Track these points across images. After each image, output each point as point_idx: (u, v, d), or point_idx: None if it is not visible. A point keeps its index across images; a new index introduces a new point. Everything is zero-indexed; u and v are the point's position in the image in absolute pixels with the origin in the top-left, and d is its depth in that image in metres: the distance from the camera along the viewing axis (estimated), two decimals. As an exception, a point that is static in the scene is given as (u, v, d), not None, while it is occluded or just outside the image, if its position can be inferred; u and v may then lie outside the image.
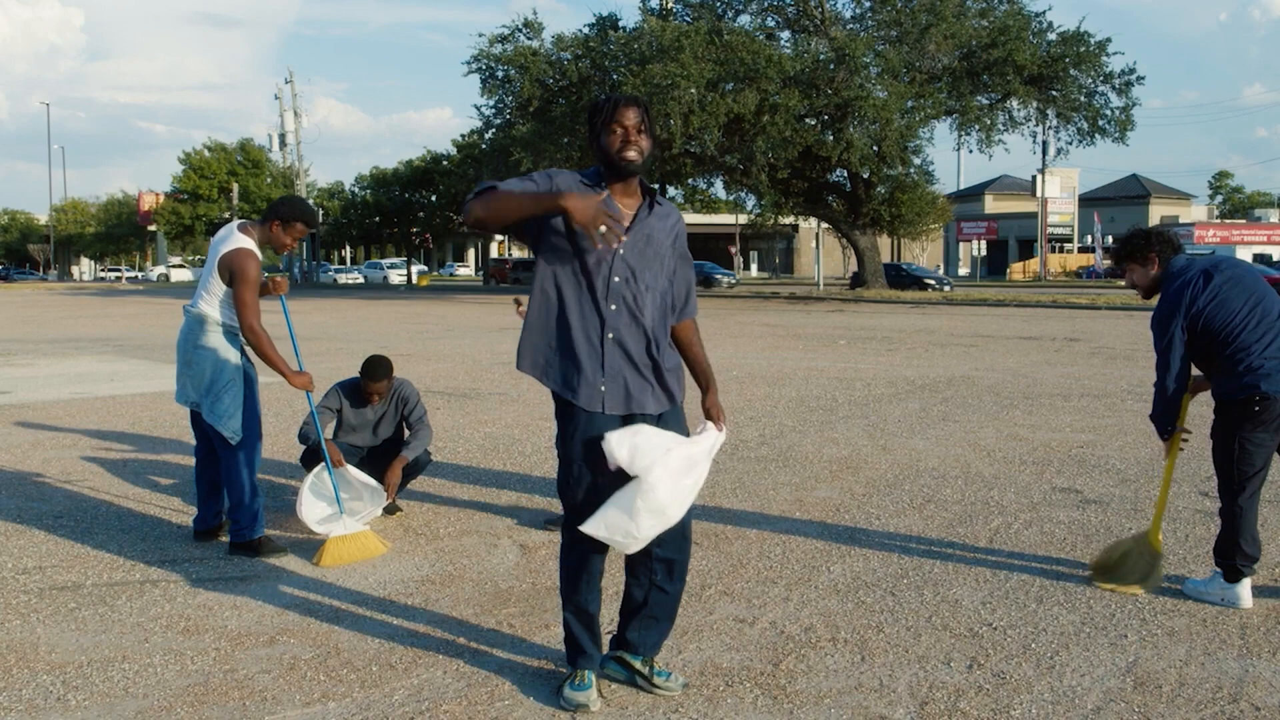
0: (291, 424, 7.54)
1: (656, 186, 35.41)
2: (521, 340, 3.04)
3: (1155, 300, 4.03)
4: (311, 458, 5.02)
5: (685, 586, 3.18)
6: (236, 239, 4.47)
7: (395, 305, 29.78)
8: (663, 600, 3.11)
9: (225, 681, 3.21)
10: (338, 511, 4.85)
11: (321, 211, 60.73)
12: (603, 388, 2.95)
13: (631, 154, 2.90)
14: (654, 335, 3.01)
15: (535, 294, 2.99)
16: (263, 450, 4.81)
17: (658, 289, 3.02)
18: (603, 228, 2.77)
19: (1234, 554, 3.84)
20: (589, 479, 2.96)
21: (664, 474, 2.85)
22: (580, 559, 3.03)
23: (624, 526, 2.86)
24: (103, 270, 77.14)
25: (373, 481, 4.85)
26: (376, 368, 5.04)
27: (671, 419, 3.05)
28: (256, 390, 4.62)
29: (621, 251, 2.94)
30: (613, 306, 2.95)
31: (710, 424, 3.12)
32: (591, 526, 2.89)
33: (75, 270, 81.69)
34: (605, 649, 3.20)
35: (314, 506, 4.78)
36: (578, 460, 2.97)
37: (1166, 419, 3.97)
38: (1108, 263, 45.64)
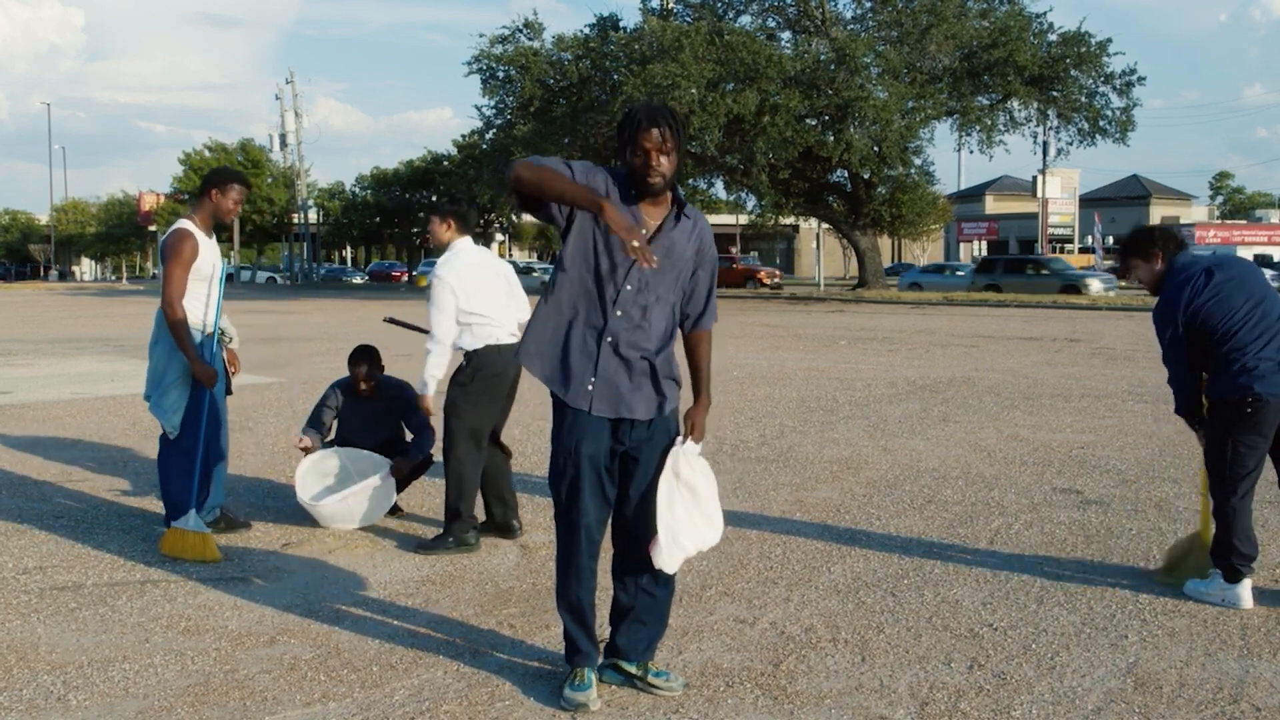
0: (292, 423, 7.54)
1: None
2: (526, 329, 3.06)
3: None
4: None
5: (674, 589, 3.18)
6: (176, 224, 4.63)
7: (395, 306, 29.78)
8: (650, 604, 3.11)
9: (226, 682, 3.21)
10: (333, 489, 4.86)
11: (322, 212, 60.74)
12: (590, 387, 2.95)
13: (654, 179, 2.89)
14: (656, 345, 3.01)
15: (551, 285, 3.01)
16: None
17: (669, 300, 3.02)
18: (635, 242, 2.76)
19: (1230, 554, 3.83)
20: (573, 473, 2.98)
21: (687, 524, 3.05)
22: (570, 554, 3.04)
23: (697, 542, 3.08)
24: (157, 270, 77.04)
25: (378, 460, 4.90)
26: (359, 353, 5.08)
27: (660, 428, 3.05)
28: (211, 398, 4.60)
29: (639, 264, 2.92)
30: (619, 313, 2.95)
31: (679, 439, 3.06)
32: (672, 563, 3.03)
33: (77, 270, 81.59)
34: (601, 656, 3.19)
35: (308, 484, 4.81)
36: (564, 453, 2.99)
37: (1192, 410, 3.99)
38: (1109, 263, 45.56)
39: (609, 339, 2.96)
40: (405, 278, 56.45)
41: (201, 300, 4.57)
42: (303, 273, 55.87)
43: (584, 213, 2.91)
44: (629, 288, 2.94)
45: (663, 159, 2.89)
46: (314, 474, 4.89)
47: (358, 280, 54.78)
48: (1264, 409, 3.74)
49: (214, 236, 4.71)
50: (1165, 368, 3.97)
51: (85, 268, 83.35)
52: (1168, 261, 3.97)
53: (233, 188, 4.60)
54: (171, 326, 4.46)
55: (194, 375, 4.50)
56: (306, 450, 4.98)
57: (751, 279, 39.32)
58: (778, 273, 42.68)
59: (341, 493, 4.82)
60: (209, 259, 4.58)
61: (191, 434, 4.56)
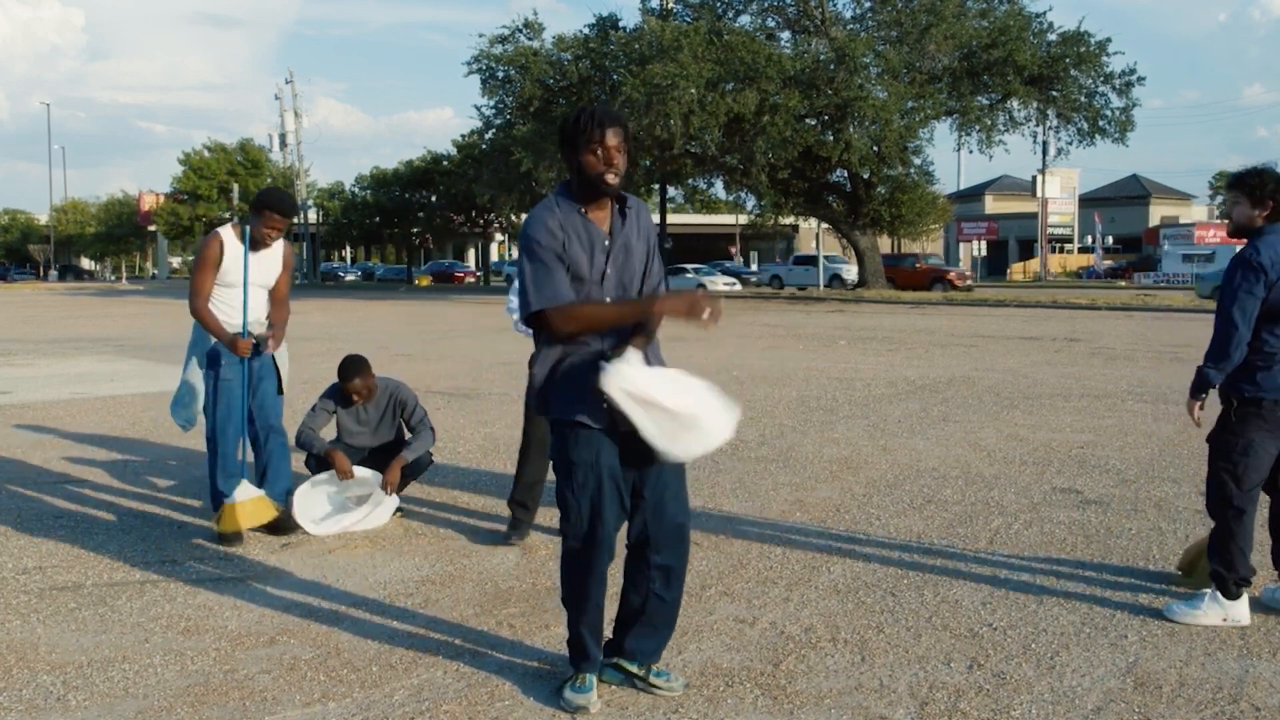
0: (290, 424, 7.52)
1: (657, 187, 35.50)
2: (534, 378, 3.03)
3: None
4: (316, 462, 5.01)
5: (683, 592, 3.17)
6: (217, 228, 4.72)
7: (395, 305, 29.78)
8: (661, 608, 3.10)
9: (225, 682, 3.20)
10: (334, 511, 4.85)
11: (321, 211, 60.66)
12: (605, 405, 2.93)
13: (612, 178, 2.88)
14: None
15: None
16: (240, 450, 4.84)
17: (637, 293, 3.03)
18: (706, 314, 2.77)
19: (1236, 564, 3.68)
20: (594, 486, 2.96)
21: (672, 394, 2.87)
22: (592, 565, 3.03)
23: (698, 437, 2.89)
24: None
25: (370, 474, 4.87)
26: (349, 367, 5.00)
27: None
28: (227, 389, 4.65)
29: (609, 271, 2.95)
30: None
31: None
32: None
33: (95, 267, 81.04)
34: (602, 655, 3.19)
35: (310, 506, 4.79)
36: (584, 468, 2.96)
37: (1224, 368, 3.66)
38: (1108, 263, 45.46)
39: (607, 352, 2.95)
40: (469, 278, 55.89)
41: (227, 304, 4.64)
42: (302, 273, 55.79)
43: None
44: (608, 300, 2.95)
45: (620, 159, 2.89)
46: (310, 499, 4.84)
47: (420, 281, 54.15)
48: None
49: (258, 249, 4.65)
50: (1223, 321, 3.62)
51: (84, 267, 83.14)
52: (1271, 219, 3.68)
53: (266, 214, 4.59)
54: (194, 318, 4.64)
55: (229, 349, 4.60)
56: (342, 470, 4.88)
57: (940, 281, 34.43)
58: (969, 274, 36.81)
59: (342, 520, 4.82)
60: (236, 266, 4.61)
61: (215, 437, 4.70)
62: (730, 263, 54.81)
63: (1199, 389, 3.76)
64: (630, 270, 2.99)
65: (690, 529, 3.13)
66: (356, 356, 5.07)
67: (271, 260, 4.75)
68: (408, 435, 5.18)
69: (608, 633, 3.22)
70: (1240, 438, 3.68)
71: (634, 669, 3.13)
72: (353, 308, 28.18)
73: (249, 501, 4.59)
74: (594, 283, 2.93)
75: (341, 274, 62.97)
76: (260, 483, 4.78)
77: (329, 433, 5.21)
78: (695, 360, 12.35)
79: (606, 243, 2.94)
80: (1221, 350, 3.64)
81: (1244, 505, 3.69)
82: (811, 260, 37.45)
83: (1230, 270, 3.69)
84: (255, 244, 4.64)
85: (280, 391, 4.86)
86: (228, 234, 4.67)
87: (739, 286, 38.26)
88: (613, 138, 2.86)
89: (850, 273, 37.14)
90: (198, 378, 4.82)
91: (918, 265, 36.54)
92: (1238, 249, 3.81)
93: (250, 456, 4.84)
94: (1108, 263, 49.85)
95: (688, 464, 3.07)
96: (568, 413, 2.95)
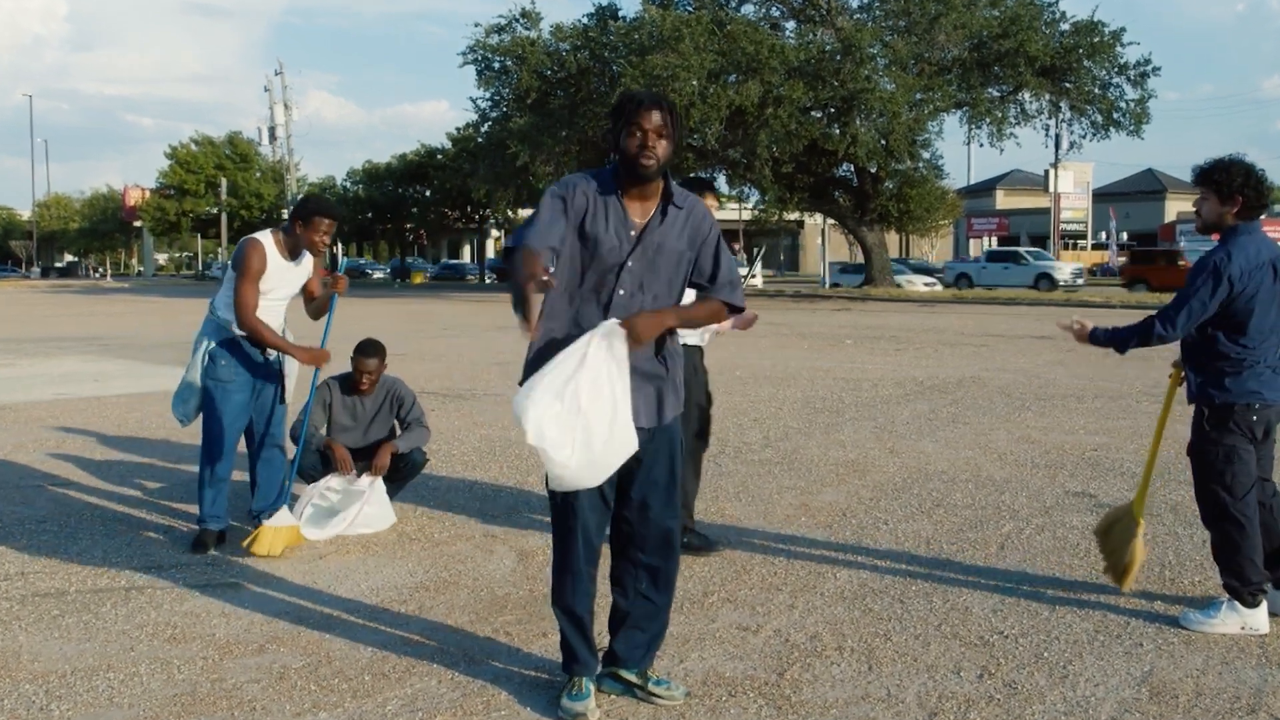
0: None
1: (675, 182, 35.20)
2: (528, 363, 2.94)
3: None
4: (318, 458, 4.92)
5: (675, 596, 3.13)
6: (255, 234, 4.59)
7: (390, 304, 29.80)
8: (648, 610, 3.06)
9: (213, 691, 3.15)
10: (337, 518, 4.75)
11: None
12: None
13: (647, 160, 2.84)
14: (654, 347, 2.95)
15: (545, 312, 2.91)
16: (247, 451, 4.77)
17: (667, 300, 2.96)
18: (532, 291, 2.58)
19: (1248, 572, 3.58)
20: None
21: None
22: (566, 558, 2.99)
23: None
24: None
25: (363, 482, 4.79)
26: (369, 345, 5.00)
27: (662, 434, 3.00)
28: (221, 391, 4.55)
29: (630, 264, 2.89)
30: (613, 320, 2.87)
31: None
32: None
33: (93, 266, 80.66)
34: (600, 665, 3.13)
35: (315, 514, 4.70)
36: None
37: (1130, 347, 3.70)
38: (1122, 259, 45.09)
39: None
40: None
41: (262, 315, 4.52)
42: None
43: (569, 228, 2.86)
44: (621, 293, 2.90)
45: (659, 143, 2.84)
46: (316, 518, 4.75)
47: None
48: (1265, 414, 3.56)
49: (299, 260, 4.62)
50: (1166, 318, 3.56)
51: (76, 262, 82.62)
52: (1240, 217, 3.56)
53: (316, 222, 4.50)
54: (252, 336, 4.47)
55: (304, 363, 4.55)
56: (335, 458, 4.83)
57: None
58: None
59: (339, 523, 4.72)
60: (277, 278, 4.54)
61: (205, 440, 4.60)
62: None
63: (1103, 343, 3.74)
64: (656, 271, 2.91)
65: (676, 532, 3.07)
66: (375, 340, 5.06)
67: (304, 270, 4.71)
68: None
69: (604, 642, 3.16)
70: (1220, 445, 3.61)
71: (632, 678, 3.07)
72: (346, 306, 28.16)
73: (285, 529, 4.50)
74: (611, 270, 2.87)
75: (369, 270, 60.91)
76: (250, 491, 4.70)
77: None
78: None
79: (633, 233, 2.88)
80: (1147, 340, 3.64)
81: (1242, 513, 3.59)
82: (1010, 257, 33.69)
83: (1195, 271, 3.58)
84: (311, 253, 4.61)
85: (283, 400, 4.76)
86: (269, 243, 4.52)
87: (939, 286, 34.14)
88: (653, 120, 2.82)
89: (1062, 271, 33.81)
90: (198, 374, 4.71)
91: (1182, 263, 30.16)
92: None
93: (284, 475, 4.77)
94: (1122, 259, 49.55)
95: (679, 467, 3.02)
96: None
